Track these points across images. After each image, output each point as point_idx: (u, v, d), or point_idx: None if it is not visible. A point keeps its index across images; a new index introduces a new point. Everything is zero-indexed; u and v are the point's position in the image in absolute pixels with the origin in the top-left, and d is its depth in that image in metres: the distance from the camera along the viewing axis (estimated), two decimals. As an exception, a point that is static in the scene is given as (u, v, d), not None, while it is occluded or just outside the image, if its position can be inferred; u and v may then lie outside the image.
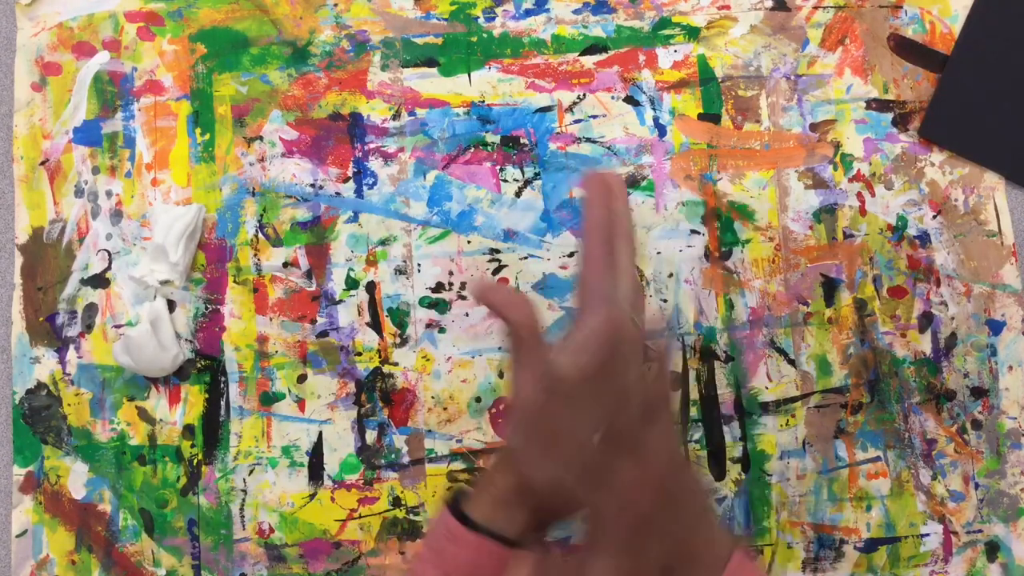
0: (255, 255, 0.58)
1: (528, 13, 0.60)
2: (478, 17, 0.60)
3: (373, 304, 0.57)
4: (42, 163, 0.59)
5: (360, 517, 0.56)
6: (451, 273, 0.58)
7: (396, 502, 0.56)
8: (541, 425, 0.38)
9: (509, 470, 0.41)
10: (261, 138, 0.59)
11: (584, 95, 0.59)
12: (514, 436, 0.41)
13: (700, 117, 0.60)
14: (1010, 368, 0.58)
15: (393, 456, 0.56)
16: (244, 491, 0.56)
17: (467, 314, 0.57)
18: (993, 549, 0.56)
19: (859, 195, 0.59)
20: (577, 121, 0.59)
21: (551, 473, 0.38)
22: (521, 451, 0.40)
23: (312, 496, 0.56)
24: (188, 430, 0.56)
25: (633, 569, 0.36)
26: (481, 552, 0.39)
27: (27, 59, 0.60)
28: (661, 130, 0.59)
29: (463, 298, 0.58)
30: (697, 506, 0.39)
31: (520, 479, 0.40)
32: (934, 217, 0.59)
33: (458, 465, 0.56)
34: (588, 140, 0.59)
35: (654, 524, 0.36)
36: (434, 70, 0.60)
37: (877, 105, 0.60)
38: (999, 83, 0.60)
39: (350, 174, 0.59)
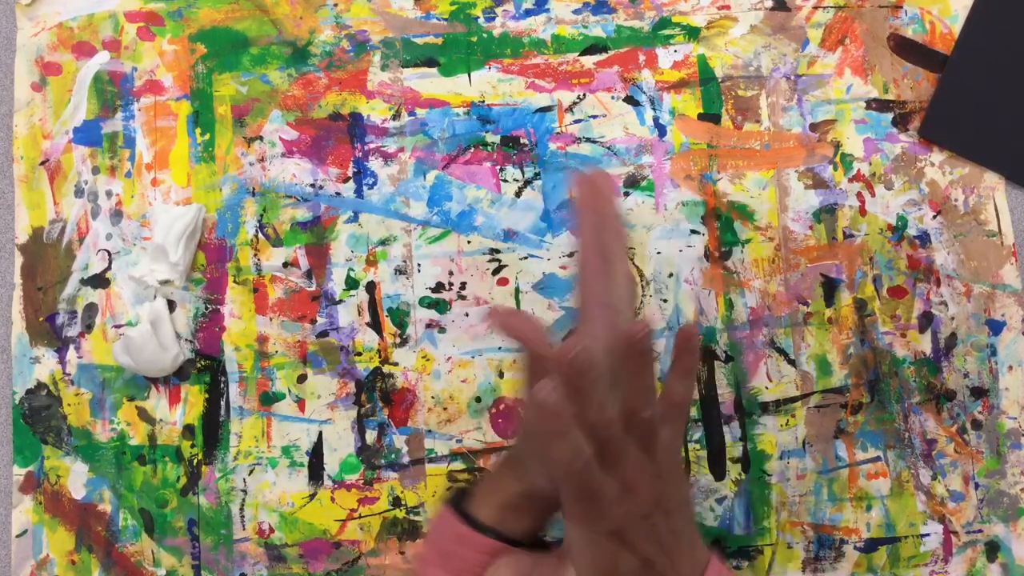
0: (255, 255, 0.58)
1: (528, 13, 0.60)
2: (478, 17, 0.60)
3: (373, 304, 0.57)
4: (42, 163, 0.59)
5: (360, 517, 0.56)
6: (451, 273, 0.58)
7: (396, 502, 0.56)
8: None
9: (519, 476, 0.41)
10: (261, 138, 0.59)
11: (584, 95, 0.59)
12: (526, 443, 0.41)
13: (700, 117, 0.60)
14: (1010, 368, 0.58)
15: (393, 456, 0.56)
16: (244, 491, 0.56)
17: (467, 314, 0.57)
18: (993, 549, 0.56)
19: (859, 195, 0.59)
20: (577, 121, 0.59)
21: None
22: (532, 459, 0.40)
23: (312, 496, 0.56)
24: (188, 430, 0.56)
25: (615, 557, 0.36)
26: (494, 555, 0.39)
27: (27, 59, 0.60)
28: (661, 130, 0.59)
29: (463, 298, 0.58)
30: (687, 513, 0.40)
31: (530, 486, 0.40)
32: (934, 217, 0.59)
33: (458, 465, 0.56)
34: (588, 140, 0.59)
35: (647, 518, 0.36)
36: (434, 70, 0.60)
37: (877, 105, 0.60)
38: (999, 83, 0.60)
39: (350, 174, 0.59)
